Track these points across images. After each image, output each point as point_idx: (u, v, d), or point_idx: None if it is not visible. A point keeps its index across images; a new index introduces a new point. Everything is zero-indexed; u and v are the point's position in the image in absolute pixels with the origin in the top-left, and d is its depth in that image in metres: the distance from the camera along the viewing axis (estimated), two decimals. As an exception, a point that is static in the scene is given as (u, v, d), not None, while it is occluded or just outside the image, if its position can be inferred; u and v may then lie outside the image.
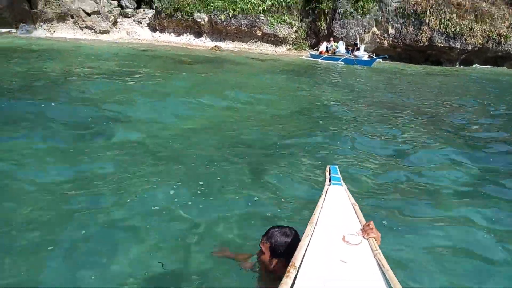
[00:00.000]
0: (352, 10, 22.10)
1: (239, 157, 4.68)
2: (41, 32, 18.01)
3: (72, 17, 19.22)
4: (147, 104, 6.82)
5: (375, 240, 1.74)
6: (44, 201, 3.24)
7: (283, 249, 1.92)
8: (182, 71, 11.17)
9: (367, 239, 1.75)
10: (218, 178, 4.01)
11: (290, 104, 8.01)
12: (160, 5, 20.81)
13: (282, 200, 3.73)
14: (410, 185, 4.43)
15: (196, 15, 20.81)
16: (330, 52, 20.61)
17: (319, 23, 22.72)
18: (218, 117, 6.41)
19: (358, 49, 19.87)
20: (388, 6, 22.74)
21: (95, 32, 19.60)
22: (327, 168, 2.49)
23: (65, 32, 18.84)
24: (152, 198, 3.45)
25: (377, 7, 22.73)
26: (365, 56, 19.52)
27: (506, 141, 6.50)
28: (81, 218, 3.05)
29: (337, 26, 21.88)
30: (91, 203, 3.28)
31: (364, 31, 22.29)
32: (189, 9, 20.66)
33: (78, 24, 19.37)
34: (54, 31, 18.67)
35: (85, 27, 19.47)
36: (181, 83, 9.23)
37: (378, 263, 1.57)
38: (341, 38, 21.33)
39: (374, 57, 19.78)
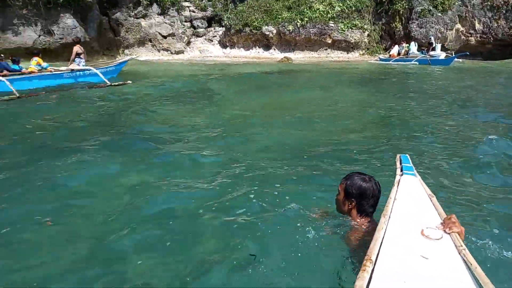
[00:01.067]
0: (431, 8, 20.40)
1: (314, 164, 4.20)
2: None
3: (150, 41, 20.50)
4: (214, 122, 6.63)
5: (459, 235, 1.61)
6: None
7: (355, 191, 1.92)
8: (249, 86, 10.97)
9: (449, 233, 1.61)
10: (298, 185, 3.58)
11: (359, 116, 7.30)
12: (229, 22, 21.30)
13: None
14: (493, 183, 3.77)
15: (264, 28, 20.88)
16: (402, 54, 19.30)
17: (393, 24, 21.37)
18: (287, 134, 5.95)
19: (433, 49, 18.19)
20: (473, 0, 20.59)
21: (171, 53, 20.66)
22: (397, 157, 2.35)
23: (144, 55, 20.12)
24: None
25: (459, 2, 20.72)
26: (442, 55, 17.71)
27: None
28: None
29: (415, 26, 20.34)
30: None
31: (447, 29, 20.40)
32: (257, 23, 20.82)
33: (156, 46, 20.59)
34: (137, 55, 20.03)
35: (162, 49, 20.63)
36: (247, 99, 8.94)
37: (463, 260, 1.43)
38: (419, 39, 19.79)
39: (453, 55, 17.92)
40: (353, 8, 21.18)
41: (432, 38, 19.15)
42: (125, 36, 19.54)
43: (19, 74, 9.16)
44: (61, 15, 15.65)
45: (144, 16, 20.64)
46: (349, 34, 20.87)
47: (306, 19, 20.52)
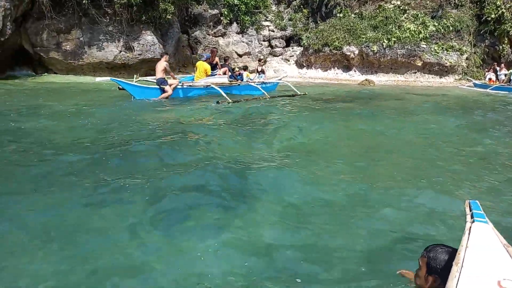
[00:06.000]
0: (552, 27, 17.09)
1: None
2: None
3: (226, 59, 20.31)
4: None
5: None
6: None
7: (439, 266, 1.74)
8: (319, 112, 9.48)
9: None
10: None
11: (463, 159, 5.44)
12: (308, 41, 20.26)
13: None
14: None
15: (345, 48, 19.40)
16: (503, 81, 16.33)
17: (500, 47, 18.37)
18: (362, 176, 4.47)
19: None
20: None
21: (245, 71, 20.22)
22: (467, 203, 2.10)
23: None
24: None
25: None
26: None
27: None
28: None
29: (529, 49, 17.17)
30: None
31: None
32: (338, 43, 19.42)
33: (231, 65, 20.33)
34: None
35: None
36: (318, 128, 7.49)
37: None
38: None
39: None
40: (451, 28, 18.71)
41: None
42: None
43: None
44: (143, 32, 16.09)
45: (223, 35, 20.66)
46: (444, 57, 18.40)
47: (394, 39, 18.58)
